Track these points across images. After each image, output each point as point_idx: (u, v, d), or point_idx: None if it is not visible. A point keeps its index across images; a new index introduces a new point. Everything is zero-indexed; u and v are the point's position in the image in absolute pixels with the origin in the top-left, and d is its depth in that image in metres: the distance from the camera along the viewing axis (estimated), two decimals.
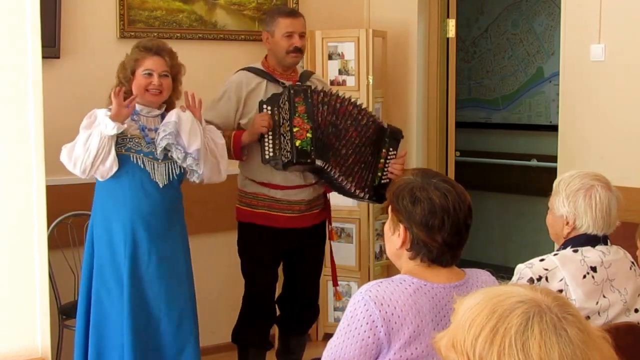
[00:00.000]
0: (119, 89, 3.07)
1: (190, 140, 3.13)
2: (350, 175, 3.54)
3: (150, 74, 3.15)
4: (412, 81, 4.80)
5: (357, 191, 3.56)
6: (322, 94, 3.54)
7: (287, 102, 3.46)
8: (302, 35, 3.62)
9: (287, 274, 3.81)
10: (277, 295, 3.83)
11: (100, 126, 3.02)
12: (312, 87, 3.56)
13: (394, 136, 3.64)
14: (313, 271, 3.81)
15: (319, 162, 3.47)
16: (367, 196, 3.58)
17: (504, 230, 6.47)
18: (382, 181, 3.58)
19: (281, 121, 3.47)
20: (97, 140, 3.02)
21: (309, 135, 3.45)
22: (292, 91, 3.47)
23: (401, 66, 4.82)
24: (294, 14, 3.69)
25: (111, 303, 3.13)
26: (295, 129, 3.44)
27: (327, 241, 3.87)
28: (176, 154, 3.13)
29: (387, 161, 3.60)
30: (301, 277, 3.77)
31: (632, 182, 3.61)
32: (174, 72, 3.22)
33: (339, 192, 3.69)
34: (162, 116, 3.23)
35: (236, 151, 3.53)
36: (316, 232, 3.75)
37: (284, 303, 3.82)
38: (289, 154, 3.43)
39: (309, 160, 3.45)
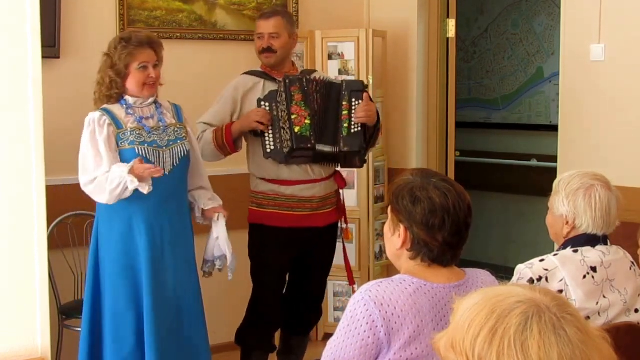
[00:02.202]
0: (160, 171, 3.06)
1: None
2: (324, 136, 3.54)
3: (145, 67, 3.15)
4: (412, 81, 4.80)
5: (325, 147, 3.52)
6: (314, 82, 3.57)
7: (283, 93, 3.49)
8: (273, 36, 3.60)
9: (293, 274, 3.80)
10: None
11: (131, 185, 3.01)
12: (307, 77, 3.58)
13: (353, 87, 3.62)
14: (322, 273, 3.80)
15: (319, 147, 3.48)
16: (337, 149, 3.53)
17: (504, 230, 6.47)
18: (352, 130, 3.55)
19: (280, 116, 3.49)
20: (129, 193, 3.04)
21: (307, 121, 3.48)
22: (287, 81, 3.51)
23: (401, 66, 4.82)
24: (265, 15, 3.67)
25: (124, 300, 3.13)
26: (293, 116, 3.47)
27: (339, 241, 3.84)
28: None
29: (352, 112, 3.57)
30: (309, 278, 3.76)
31: (632, 182, 3.61)
32: (161, 61, 3.24)
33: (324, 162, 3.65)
34: (155, 102, 3.25)
35: (229, 143, 3.54)
36: (329, 233, 3.74)
37: (288, 303, 3.81)
38: (289, 142, 3.45)
39: (309, 145, 3.47)
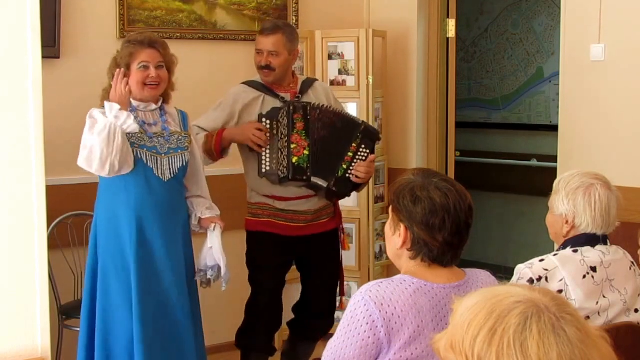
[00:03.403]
0: (122, 72, 3.08)
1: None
2: (327, 171, 3.53)
3: (146, 67, 3.13)
4: (412, 81, 4.80)
5: (319, 180, 3.52)
6: (318, 110, 3.54)
7: (286, 118, 3.47)
8: (273, 54, 3.53)
9: (302, 283, 3.82)
10: (289, 300, 3.83)
11: (119, 122, 3.01)
12: (312, 104, 3.55)
13: (369, 135, 3.61)
14: (326, 283, 3.77)
15: (314, 180, 3.48)
16: (326, 185, 3.53)
17: (504, 230, 6.47)
18: (347, 175, 3.56)
19: (280, 135, 3.47)
20: (120, 137, 3.01)
21: (306, 152, 3.47)
22: (291, 107, 3.48)
23: (401, 66, 4.82)
24: (266, 32, 3.57)
25: (117, 300, 3.13)
26: (292, 146, 3.46)
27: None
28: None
29: (356, 158, 3.57)
30: (314, 288, 3.75)
31: (632, 182, 3.62)
32: (168, 63, 3.21)
33: (312, 190, 3.63)
34: (161, 109, 3.23)
35: (216, 150, 3.52)
36: (327, 240, 3.72)
37: (299, 311, 3.82)
38: (285, 169, 3.45)
39: (304, 178, 3.48)
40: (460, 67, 6.05)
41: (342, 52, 4.57)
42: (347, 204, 4.43)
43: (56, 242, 3.70)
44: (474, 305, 1.18)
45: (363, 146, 3.58)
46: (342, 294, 3.89)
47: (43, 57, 2.27)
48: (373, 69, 4.53)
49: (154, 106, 3.21)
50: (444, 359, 1.20)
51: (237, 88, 3.63)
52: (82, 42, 4.02)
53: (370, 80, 4.51)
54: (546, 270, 2.44)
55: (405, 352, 1.84)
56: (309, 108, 3.51)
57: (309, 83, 3.71)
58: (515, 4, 6.38)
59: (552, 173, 3.91)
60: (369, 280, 3.75)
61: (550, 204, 2.61)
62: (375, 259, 4.69)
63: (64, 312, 3.76)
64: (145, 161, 3.11)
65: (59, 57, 3.93)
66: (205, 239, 3.32)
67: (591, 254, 2.50)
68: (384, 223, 2.04)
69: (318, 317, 3.79)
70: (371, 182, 4.58)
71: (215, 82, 4.01)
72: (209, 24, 4.43)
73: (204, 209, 3.32)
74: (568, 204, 2.51)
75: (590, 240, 2.52)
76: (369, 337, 1.84)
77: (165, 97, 3.26)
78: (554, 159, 4.20)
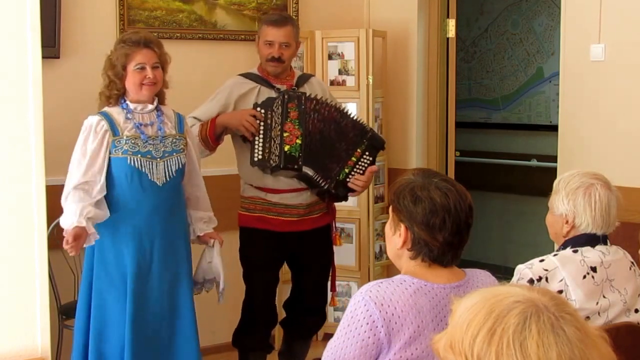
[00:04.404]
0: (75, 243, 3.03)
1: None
2: (321, 165, 3.53)
3: (143, 68, 3.11)
4: (412, 81, 4.80)
5: (320, 180, 3.53)
6: (314, 101, 3.54)
7: (280, 107, 3.48)
8: (285, 45, 3.55)
9: (293, 279, 3.81)
10: (281, 298, 3.82)
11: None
12: (307, 94, 3.56)
13: (374, 143, 3.62)
14: (318, 278, 3.77)
15: (306, 169, 3.49)
16: (326, 186, 3.54)
17: (504, 230, 6.47)
18: (347, 179, 3.56)
19: (273, 125, 3.48)
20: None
21: (298, 141, 3.47)
22: (286, 96, 3.49)
23: (401, 66, 4.82)
24: (278, 23, 3.58)
25: (112, 304, 3.12)
26: (285, 134, 3.46)
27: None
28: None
29: (359, 164, 3.57)
30: (306, 284, 3.74)
31: (632, 182, 3.62)
32: (163, 61, 3.19)
33: (306, 184, 3.64)
34: (157, 109, 3.21)
35: (211, 136, 3.52)
36: (320, 236, 3.71)
37: (290, 308, 3.82)
38: (277, 158, 3.45)
39: (295, 167, 3.47)
40: (460, 67, 6.05)
41: (342, 52, 4.57)
42: (347, 203, 4.42)
43: (56, 242, 3.68)
44: (473, 305, 1.18)
45: (367, 153, 3.59)
46: (333, 289, 3.89)
47: (43, 57, 2.27)
48: (373, 69, 4.53)
49: (150, 106, 3.19)
50: (443, 359, 1.20)
51: (233, 79, 3.65)
52: (82, 42, 4.02)
53: (370, 80, 4.51)
54: (546, 270, 2.44)
55: (405, 352, 1.84)
56: (303, 98, 3.52)
57: (305, 77, 3.74)
58: (515, 4, 6.38)
59: (552, 173, 3.91)
60: (369, 280, 3.75)
61: (550, 204, 2.61)
62: (375, 259, 4.69)
63: (64, 312, 3.76)
64: (139, 167, 3.10)
65: (59, 57, 3.93)
66: (203, 252, 3.34)
67: (591, 254, 2.50)
68: (384, 223, 2.05)
69: (311, 314, 3.79)
70: (371, 182, 4.59)
71: (215, 82, 4.00)
72: (209, 24, 4.43)
73: (201, 223, 3.32)
74: (568, 204, 2.51)
75: (590, 240, 2.52)
76: (369, 337, 1.84)
77: (160, 97, 3.25)
78: (554, 159, 4.20)
